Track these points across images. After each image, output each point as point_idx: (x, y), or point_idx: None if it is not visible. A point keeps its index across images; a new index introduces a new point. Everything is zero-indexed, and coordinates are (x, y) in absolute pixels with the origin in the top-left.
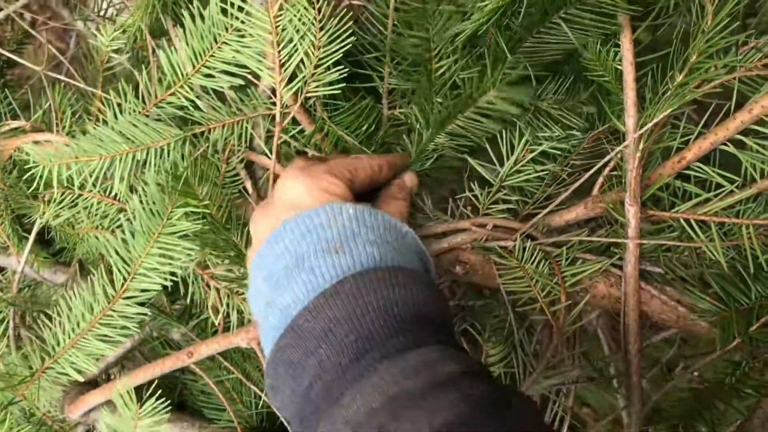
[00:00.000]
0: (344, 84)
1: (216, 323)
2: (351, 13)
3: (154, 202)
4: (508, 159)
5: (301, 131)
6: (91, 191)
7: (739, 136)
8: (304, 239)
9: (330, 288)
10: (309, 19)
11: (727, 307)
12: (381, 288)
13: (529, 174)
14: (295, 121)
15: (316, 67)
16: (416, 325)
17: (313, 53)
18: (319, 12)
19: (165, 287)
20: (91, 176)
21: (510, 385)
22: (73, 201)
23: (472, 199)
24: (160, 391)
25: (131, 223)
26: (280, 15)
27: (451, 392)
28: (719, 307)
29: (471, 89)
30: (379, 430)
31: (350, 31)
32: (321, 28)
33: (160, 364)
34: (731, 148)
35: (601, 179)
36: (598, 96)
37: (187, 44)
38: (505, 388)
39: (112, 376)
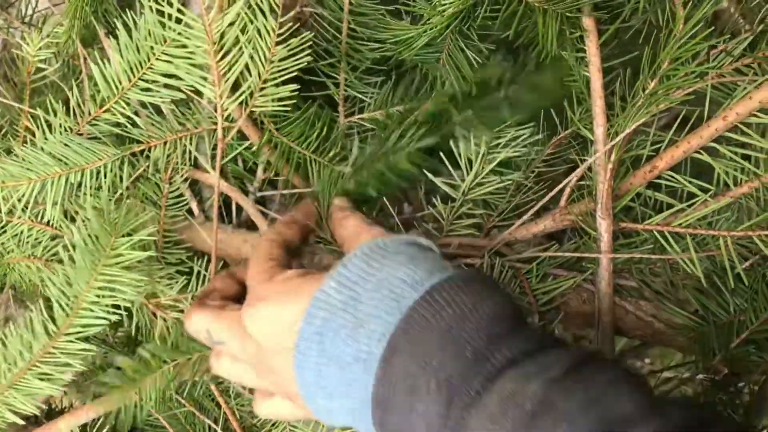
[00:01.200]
0: (295, 96)
1: None
2: (305, 20)
3: (95, 233)
4: (468, 172)
5: (250, 146)
6: (20, 218)
7: (712, 144)
8: (324, 341)
9: (394, 336)
10: (259, 31)
11: (705, 321)
12: (483, 293)
13: (492, 185)
14: (243, 136)
15: (265, 81)
16: (517, 331)
17: (263, 67)
18: (276, 26)
19: None
20: (20, 201)
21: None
22: (0, 228)
23: (436, 215)
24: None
25: (70, 253)
26: (219, 25)
27: (546, 420)
28: (697, 322)
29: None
30: (532, 418)
31: (308, 46)
32: (277, 43)
33: (105, 401)
34: (705, 156)
35: (568, 189)
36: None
37: (122, 56)
38: (610, 377)
39: (55, 407)
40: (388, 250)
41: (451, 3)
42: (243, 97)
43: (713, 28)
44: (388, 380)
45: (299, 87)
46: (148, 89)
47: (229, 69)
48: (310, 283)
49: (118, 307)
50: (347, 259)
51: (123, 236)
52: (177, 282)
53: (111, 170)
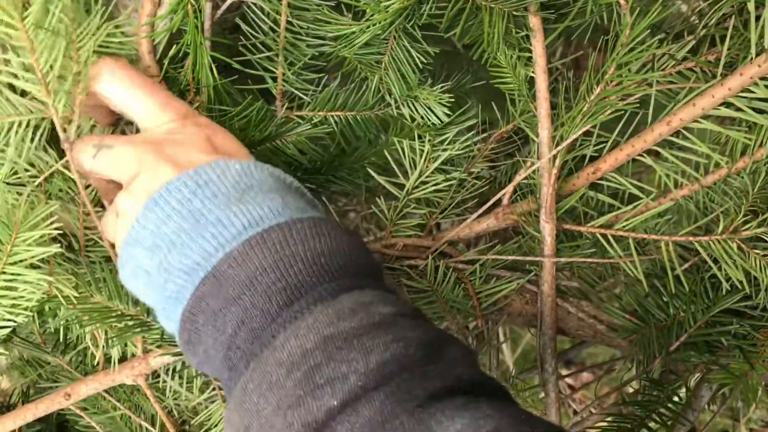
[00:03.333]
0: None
1: (96, 357)
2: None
3: None
4: (412, 171)
5: None
6: None
7: (655, 147)
8: (195, 196)
9: (252, 238)
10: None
11: (645, 324)
12: (308, 238)
13: (437, 184)
14: None
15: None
16: (347, 273)
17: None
18: None
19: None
20: None
21: (446, 330)
22: None
23: (379, 215)
24: None
25: None
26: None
27: (387, 332)
28: (637, 324)
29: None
30: (314, 369)
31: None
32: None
33: (32, 408)
34: (647, 159)
35: (511, 188)
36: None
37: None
38: (441, 332)
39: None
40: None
41: None
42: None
43: (659, 29)
44: (221, 273)
45: (235, 78)
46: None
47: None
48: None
49: (30, 309)
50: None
51: (25, 232)
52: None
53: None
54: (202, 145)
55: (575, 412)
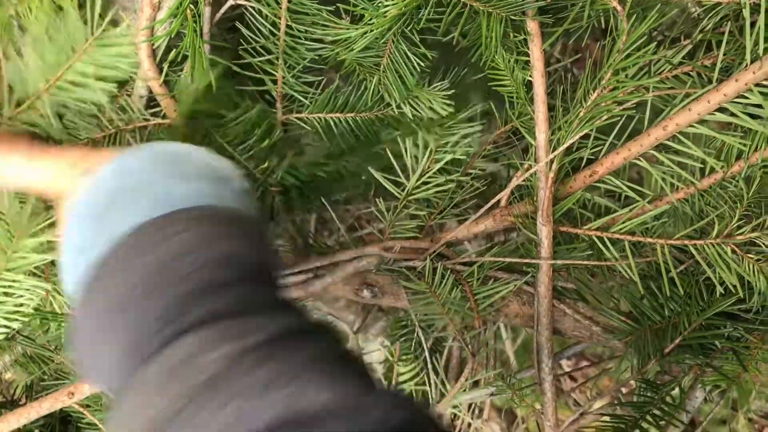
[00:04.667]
0: (232, 93)
1: None
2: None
3: None
4: (413, 171)
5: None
6: None
7: (652, 151)
8: (76, 223)
9: (96, 272)
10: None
11: (640, 325)
12: (153, 246)
13: (438, 185)
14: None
15: None
16: (203, 277)
17: None
18: None
19: None
20: None
21: (310, 342)
22: None
23: (378, 215)
24: None
25: None
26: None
27: (216, 396)
28: (632, 326)
29: None
30: None
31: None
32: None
33: (36, 406)
34: (644, 163)
35: (508, 191)
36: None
37: (41, 57)
38: (299, 359)
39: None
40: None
41: (394, 4)
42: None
43: (657, 32)
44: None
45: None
46: (70, 86)
47: None
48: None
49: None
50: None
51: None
52: None
53: None
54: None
55: (576, 403)
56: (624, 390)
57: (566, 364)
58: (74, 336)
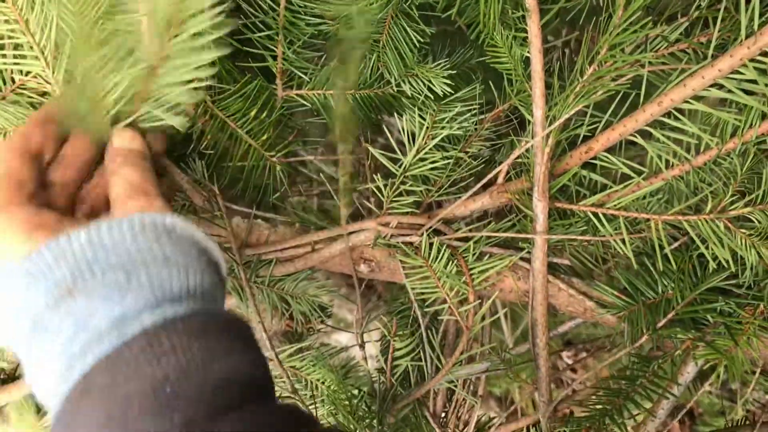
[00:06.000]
0: (232, 68)
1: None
2: None
3: None
4: (410, 147)
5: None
6: None
7: (647, 128)
8: (31, 289)
9: (79, 384)
10: None
11: (634, 300)
12: (143, 365)
13: (435, 162)
14: None
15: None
16: (198, 399)
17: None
18: None
19: None
20: None
21: None
22: None
23: (376, 191)
24: None
25: None
26: None
27: None
28: (626, 301)
29: None
30: None
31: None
32: None
33: None
34: (639, 139)
35: (505, 166)
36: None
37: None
38: None
39: None
40: (145, 246)
41: None
42: None
43: (653, 10)
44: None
45: (235, 57)
46: None
47: None
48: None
49: None
50: (98, 229)
51: None
52: None
53: None
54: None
55: (567, 384)
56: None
57: (566, 356)
58: None
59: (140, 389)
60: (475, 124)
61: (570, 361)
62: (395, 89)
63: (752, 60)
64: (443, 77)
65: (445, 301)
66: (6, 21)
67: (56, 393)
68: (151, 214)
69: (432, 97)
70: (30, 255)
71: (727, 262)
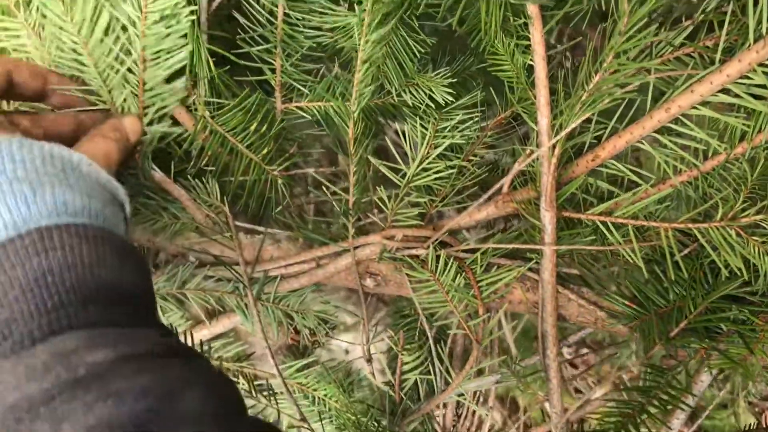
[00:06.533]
0: (230, 82)
1: None
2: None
3: None
4: (412, 158)
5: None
6: None
7: (654, 134)
8: None
9: None
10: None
11: (645, 310)
12: (33, 256)
13: (439, 171)
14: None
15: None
16: (77, 299)
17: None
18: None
19: None
20: None
21: (199, 365)
22: None
23: (379, 203)
24: None
25: None
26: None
27: (91, 389)
28: (637, 310)
29: None
30: None
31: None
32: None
33: None
34: (646, 146)
35: (511, 176)
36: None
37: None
38: (182, 373)
39: None
40: (52, 170)
41: None
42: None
43: (657, 14)
44: None
45: (233, 71)
46: None
47: None
48: None
49: None
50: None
51: None
52: None
53: None
54: None
55: (577, 390)
56: (626, 376)
57: (567, 352)
58: None
59: (23, 276)
60: (477, 132)
61: (569, 357)
62: (396, 98)
63: (761, 64)
64: (444, 86)
65: (453, 315)
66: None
67: None
68: (63, 148)
69: (433, 105)
70: None
71: (740, 269)
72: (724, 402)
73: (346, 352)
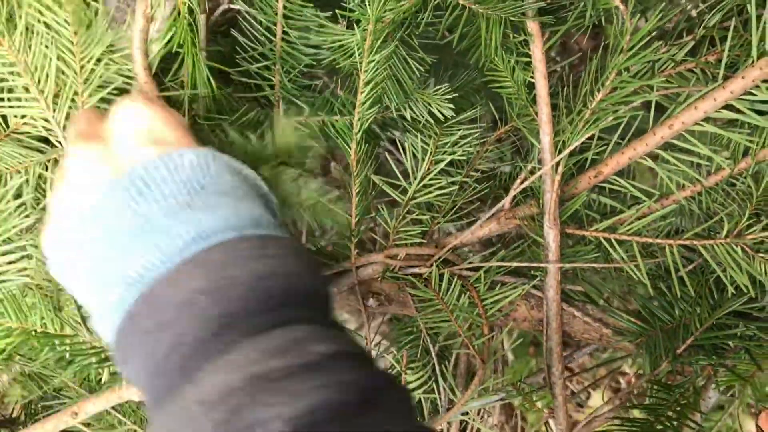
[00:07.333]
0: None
1: (99, 371)
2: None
3: None
4: (412, 172)
5: None
6: None
7: (657, 150)
8: (142, 198)
9: (196, 255)
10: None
11: (651, 326)
12: (251, 260)
13: (441, 187)
14: None
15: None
16: (288, 302)
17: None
18: None
19: None
20: None
21: (388, 372)
22: None
23: (381, 221)
24: None
25: None
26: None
27: (319, 375)
28: (643, 327)
29: None
30: (236, 411)
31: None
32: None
33: (39, 427)
34: (649, 162)
35: (513, 194)
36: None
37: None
38: (380, 375)
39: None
40: (236, 183)
41: (391, 9)
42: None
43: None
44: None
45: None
46: None
47: None
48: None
49: None
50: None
51: None
52: None
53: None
54: (143, 137)
55: (573, 393)
56: (623, 382)
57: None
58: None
59: (242, 277)
60: (478, 147)
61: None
62: (395, 113)
63: (765, 81)
64: (444, 102)
65: (458, 334)
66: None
67: (157, 266)
68: (230, 157)
69: (433, 121)
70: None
71: (746, 287)
72: (721, 403)
73: None
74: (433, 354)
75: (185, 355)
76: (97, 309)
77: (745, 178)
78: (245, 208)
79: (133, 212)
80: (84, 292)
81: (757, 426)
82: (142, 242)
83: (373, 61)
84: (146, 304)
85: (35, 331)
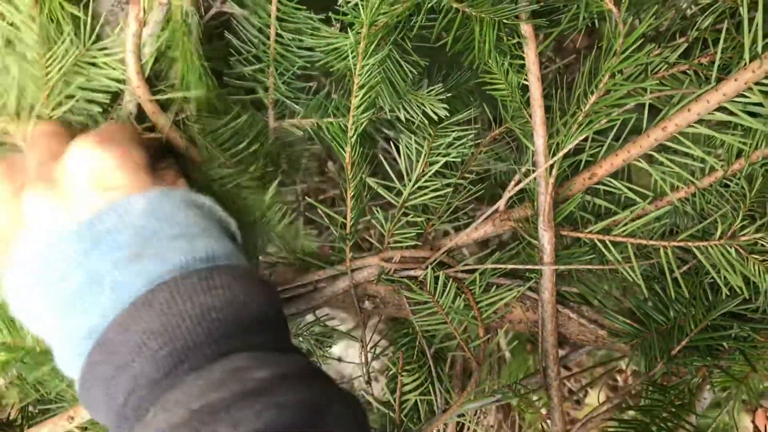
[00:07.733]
0: (223, 100)
1: None
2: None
3: None
4: (408, 176)
5: None
6: None
7: (651, 152)
8: (93, 250)
9: (141, 297)
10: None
11: (645, 328)
12: (198, 294)
13: (436, 189)
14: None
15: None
16: (232, 332)
17: None
18: None
19: None
20: None
21: (335, 385)
22: None
23: (377, 225)
24: None
25: None
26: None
27: (259, 400)
28: (638, 328)
29: None
30: None
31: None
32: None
33: (35, 431)
34: (643, 164)
35: (507, 196)
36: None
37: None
38: (326, 390)
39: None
40: (192, 220)
41: (385, 13)
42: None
43: (650, 33)
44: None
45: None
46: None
47: None
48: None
49: None
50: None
51: None
52: None
53: None
54: (94, 182)
55: (570, 392)
56: (620, 380)
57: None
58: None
59: (188, 311)
60: (473, 149)
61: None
62: (389, 115)
63: (757, 83)
64: (439, 102)
65: (453, 336)
66: None
67: (109, 316)
68: (186, 190)
69: (427, 122)
70: (93, 216)
71: (740, 288)
72: (717, 401)
73: (339, 360)
74: (429, 356)
75: (142, 397)
76: (59, 354)
77: (738, 179)
78: (200, 245)
79: (85, 270)
80: (44, 335)
81: (754, 423)
82: (94, 298)
83: (367, 64)
84: (103, 351)
85: (27, 348)
